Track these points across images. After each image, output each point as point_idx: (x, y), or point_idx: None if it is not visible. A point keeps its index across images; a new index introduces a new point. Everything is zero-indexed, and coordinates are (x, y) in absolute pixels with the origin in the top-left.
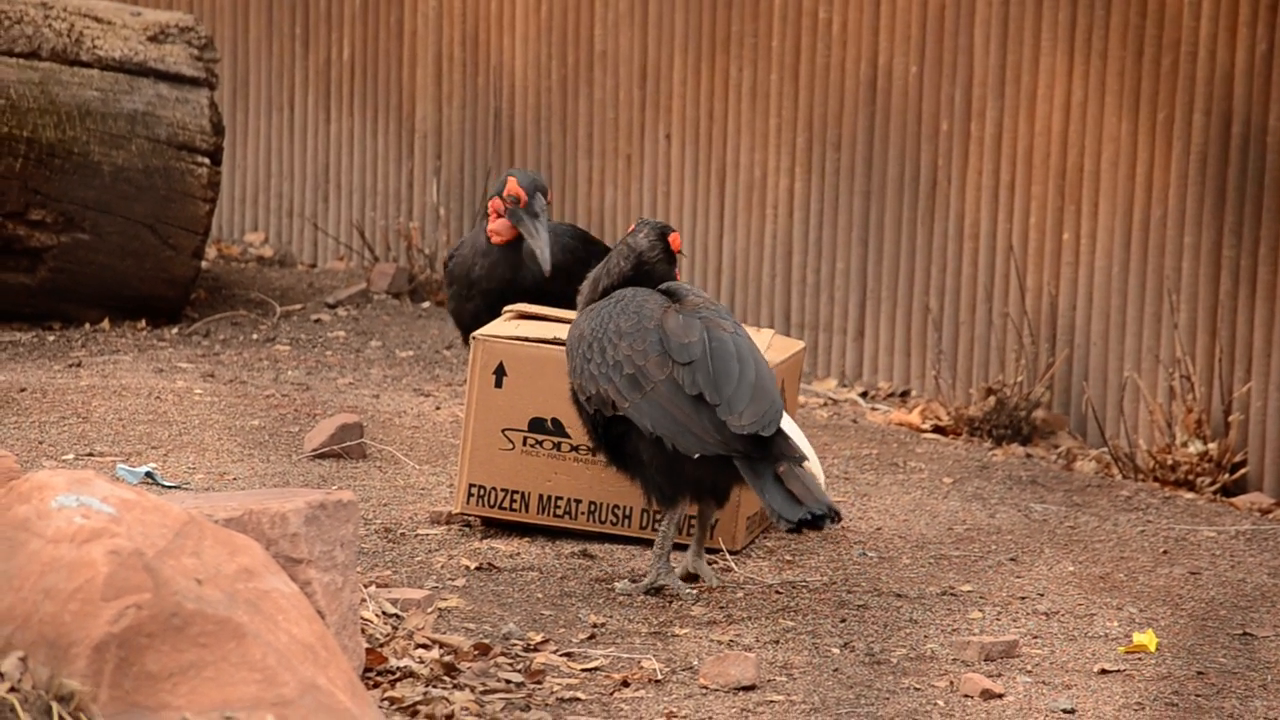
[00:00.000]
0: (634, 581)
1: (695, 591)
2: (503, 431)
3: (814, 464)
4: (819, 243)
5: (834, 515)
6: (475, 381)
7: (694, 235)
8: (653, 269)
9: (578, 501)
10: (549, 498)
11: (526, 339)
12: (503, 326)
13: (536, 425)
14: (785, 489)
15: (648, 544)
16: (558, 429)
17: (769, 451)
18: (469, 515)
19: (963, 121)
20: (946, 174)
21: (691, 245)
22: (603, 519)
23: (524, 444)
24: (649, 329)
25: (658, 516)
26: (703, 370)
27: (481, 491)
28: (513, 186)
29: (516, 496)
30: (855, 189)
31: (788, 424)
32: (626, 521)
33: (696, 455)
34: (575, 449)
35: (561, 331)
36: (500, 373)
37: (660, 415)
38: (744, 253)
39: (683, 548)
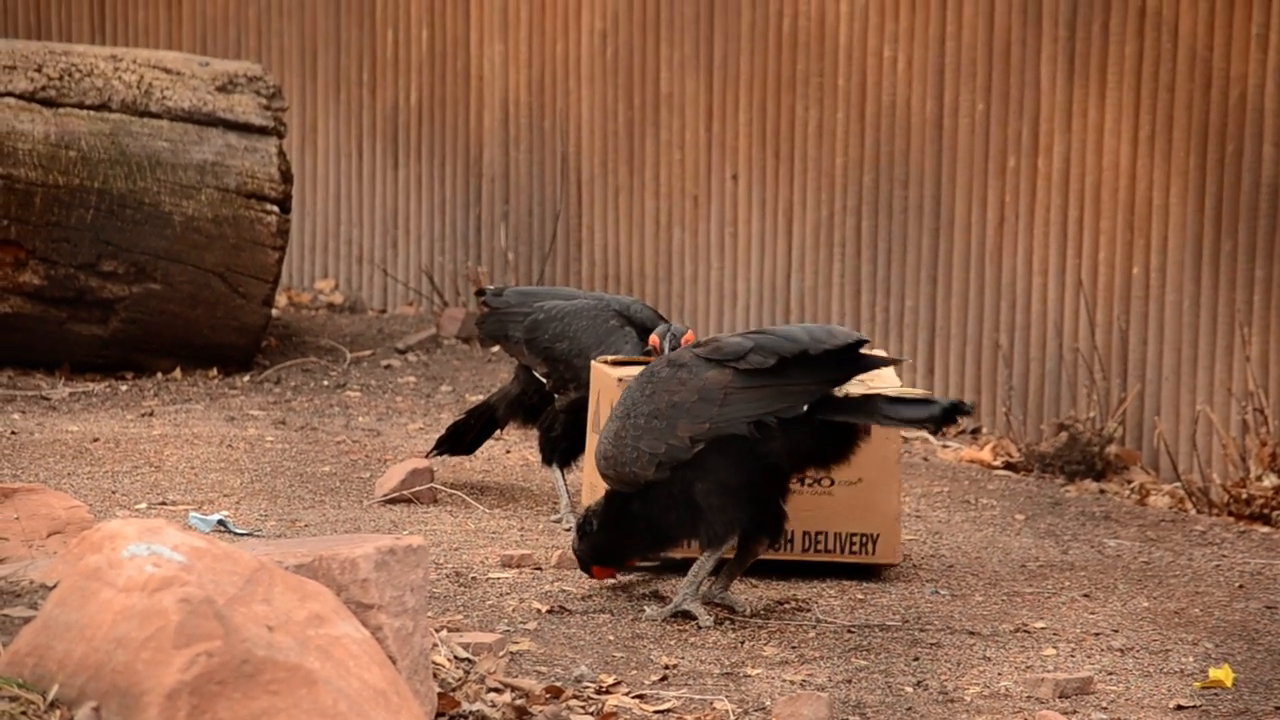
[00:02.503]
0: (662, 606)
1: (713, 619)
2: None
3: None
4: (887, 281)
5: (958, 406)
6: (603, 403)
7: (761, 275)
8: None
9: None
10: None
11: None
12: (611, 370)
13: None
14: (900, 399)
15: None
16: None
17: (857, 370)
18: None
19: (1030, 157)
20: (1014, 210)
21: (760, 285)
22: None
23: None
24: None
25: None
26: (769, 342)
27: None
28: (653, 340)
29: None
30: (924, 226)
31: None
32: (789, 546)
33: (805, 407)
34: None
35: None
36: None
37: (744, 406)
38: (812, 292)
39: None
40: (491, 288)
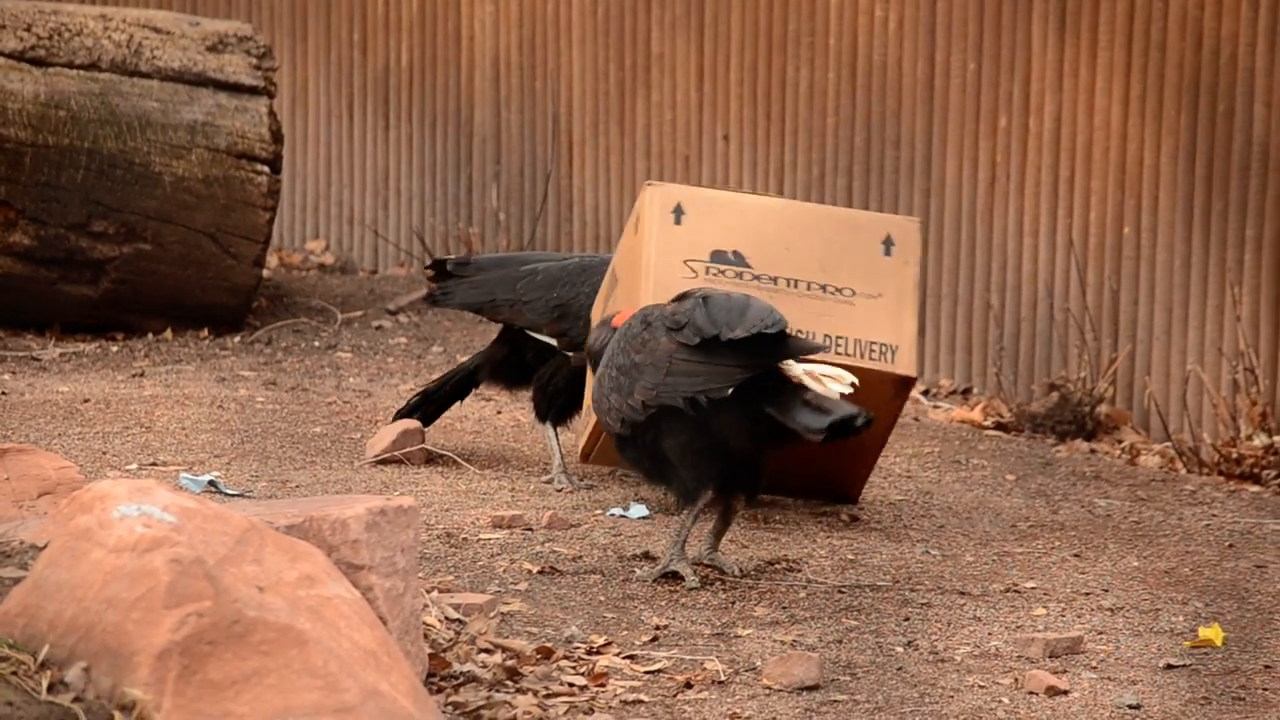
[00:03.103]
0: (652, 567)
1: (700, 579)
2: (685, 262)
3: (831, 370)
4: None
5: (859, 417)
6: (654, 220)
7: None
8: None
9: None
10: None
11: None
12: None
13: (718, 256)
14: (804, 400)
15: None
16: (739, 260)
17: (783, 355)
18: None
19: (1021, 117)
20: (1005, 170)
21: None
22: None
23: (706, 274)
24: (644, 335)
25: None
26: (699, 315)
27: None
28: None
29: None
30: (915, 186)
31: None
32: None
33: (730, 390)
34: (757, 278)
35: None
36: (679, 211)
37: (683, 379)
38: None
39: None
40: (452, 258)
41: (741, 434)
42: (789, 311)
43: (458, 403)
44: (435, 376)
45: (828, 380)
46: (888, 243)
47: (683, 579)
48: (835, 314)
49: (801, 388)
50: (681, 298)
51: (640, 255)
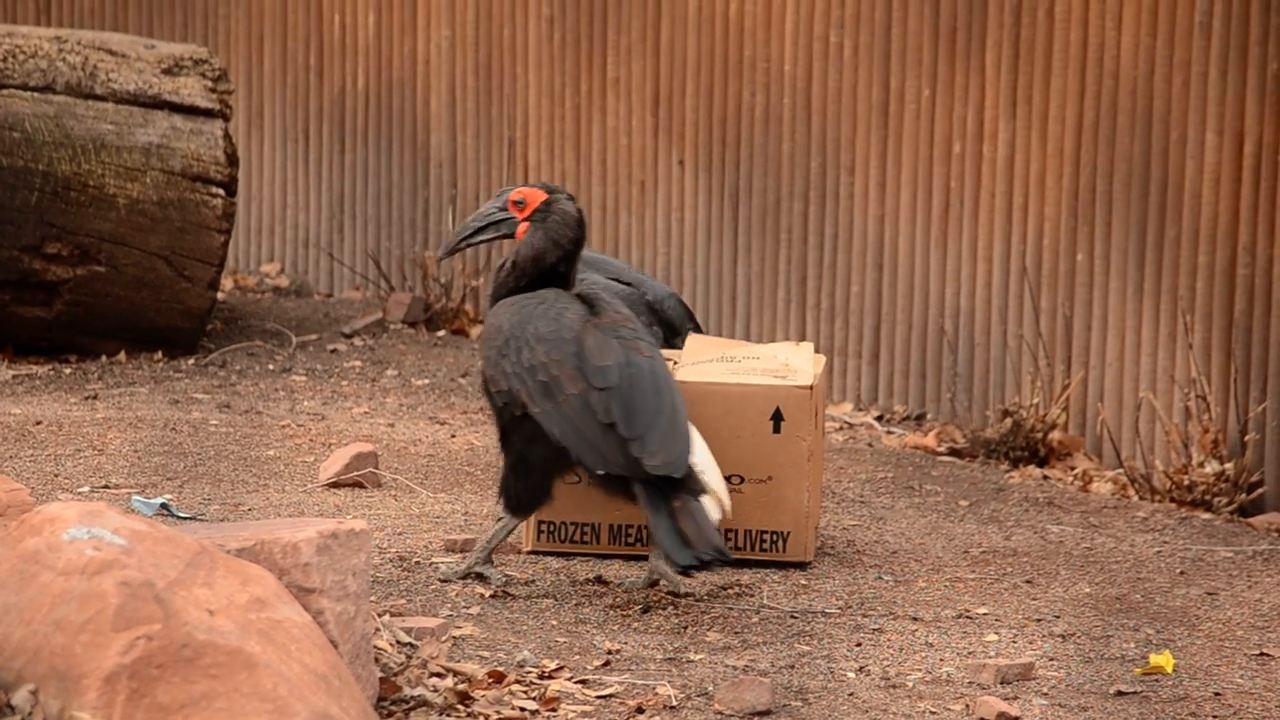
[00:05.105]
0: (458, 564)
1: (504, 577)
2: None
3: (713, 477)
4: (833, 266)
5: (722, 558)
6: None
7: (708, 260)
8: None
9: (644, 526)
10: (620, 527)
11: None
12: None
13: None
14: (677, 528)
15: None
16: None
17: (673, 483)
18: (539, 551)
19: (975, 143)
20: (959, 196)
21: (706, 270)
22: None
23: (588, 480)
24: (567, 339)
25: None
26: (617, 400)
27: (551, 527)
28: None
29: (587, 529)
30: (869, 213)
31: (695, 436)
32: None
33: (601, 473)
34: None
35: None
36: None
37: (569, 429)
38: (759, 277)
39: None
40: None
41: (604, 488)
42: None
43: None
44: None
45: (706, 500)
46: (776, 418)
47: (487, 580)
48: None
49: (676, 507)
50: (617, 330)
51: None
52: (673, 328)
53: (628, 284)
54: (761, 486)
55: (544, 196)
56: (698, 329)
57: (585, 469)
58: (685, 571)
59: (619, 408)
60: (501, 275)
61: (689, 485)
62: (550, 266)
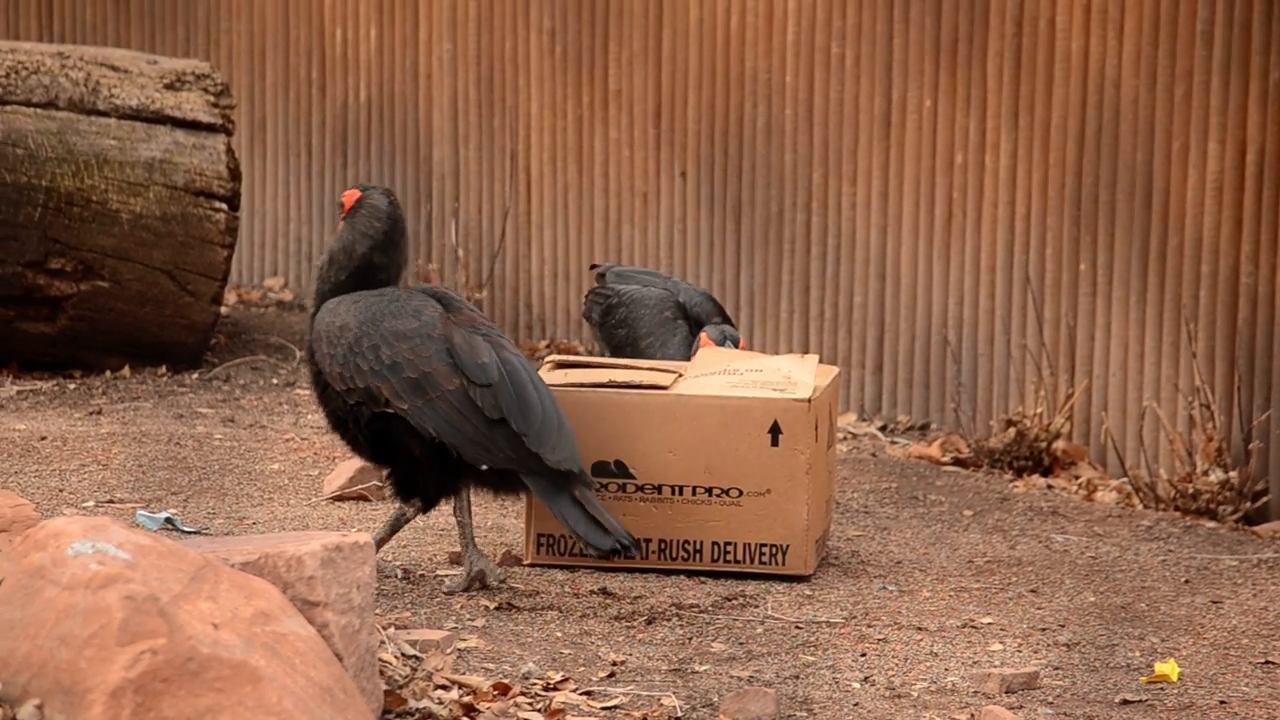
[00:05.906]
0: (461, 577)
1: (505, 574)
2: None
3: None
4: (836, 277)
5: (635, 544)
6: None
7: (711, 272)
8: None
9: (647, 541)
10: None
11: (581, 385)
12: (551, 376)
13: (600, 469)
14: (588, 515)
15: (682, 574)
16: (621, 471)
17: (568, 475)
18: (539, 564)
19: (977, 153)
20: (962, 206)
21: (708, 281)
22: (673, 556)
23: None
24: (434, 336)
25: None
26: (505, 395)
27: (550, 540)
28: (703, 338)
29: None
30: (872, 223)
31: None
32: (698, 556)
33: (485, 467)
34: (641, 489)
35: (614, 375)
36: None
37: (446, 425)
38: (761, 288)
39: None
40: (600, 265)
41: (486, 484)
42: (673, 520)
43: None
44: None
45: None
46: (774, 431)
47: (486, 575)
48: (720, 518)
49: (577, 495)
50: (478, 327)
51: None
52: (699, 323)
53: (664, 289)
54: (760, 500)
55: (358, 195)
56: (725, 320)
57: (466, 464)
58: (607, 556)
59: (508, 403)
60: (321, 271)
61: (582, 477)
62: (364, 258)
